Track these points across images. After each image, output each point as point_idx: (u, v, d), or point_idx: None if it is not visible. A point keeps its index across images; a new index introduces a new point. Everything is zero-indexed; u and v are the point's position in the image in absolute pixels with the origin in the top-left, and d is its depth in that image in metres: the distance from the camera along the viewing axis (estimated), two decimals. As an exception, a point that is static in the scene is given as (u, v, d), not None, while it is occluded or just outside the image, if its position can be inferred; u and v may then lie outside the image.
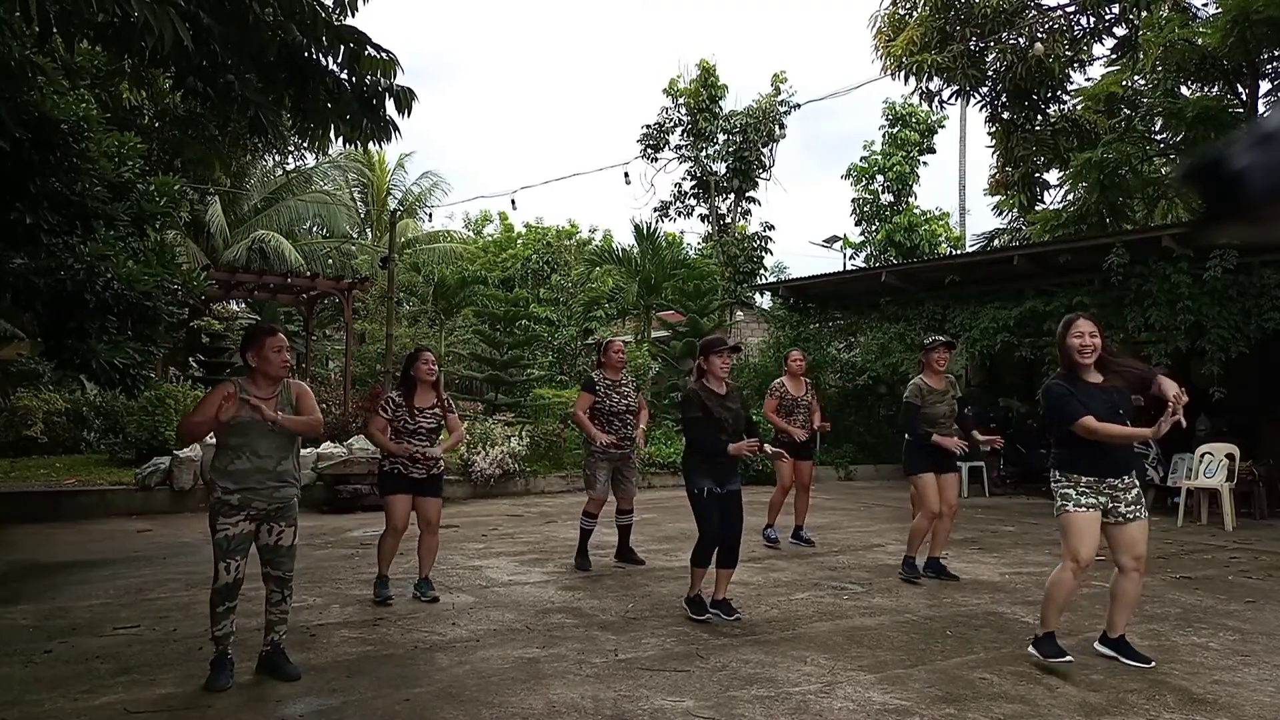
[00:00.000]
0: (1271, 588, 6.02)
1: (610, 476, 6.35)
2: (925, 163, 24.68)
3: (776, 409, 7.25)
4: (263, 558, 4.00)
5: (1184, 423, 3.97)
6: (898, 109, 24.17)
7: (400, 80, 4.81)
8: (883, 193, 24.37)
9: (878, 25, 16.09)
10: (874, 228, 24.22)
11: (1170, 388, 3.95)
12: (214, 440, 4.04)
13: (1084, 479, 4.04)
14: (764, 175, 19.89)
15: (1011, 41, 15.03)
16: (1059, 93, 15.71)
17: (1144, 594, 5.74)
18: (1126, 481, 4.07)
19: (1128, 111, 14.36)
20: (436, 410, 5.36)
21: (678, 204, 20.73)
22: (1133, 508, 4.05)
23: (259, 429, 3.86)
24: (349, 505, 9.38)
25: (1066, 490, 4.07)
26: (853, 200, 24.77)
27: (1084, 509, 4.01)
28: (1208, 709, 3.61)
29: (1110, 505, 4.03)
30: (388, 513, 5.31)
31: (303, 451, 9.99)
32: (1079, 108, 15.55)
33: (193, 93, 4.65)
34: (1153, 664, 4.13)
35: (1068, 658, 4.02)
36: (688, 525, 8.54)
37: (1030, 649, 4.15)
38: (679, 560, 6.66)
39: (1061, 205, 15.50)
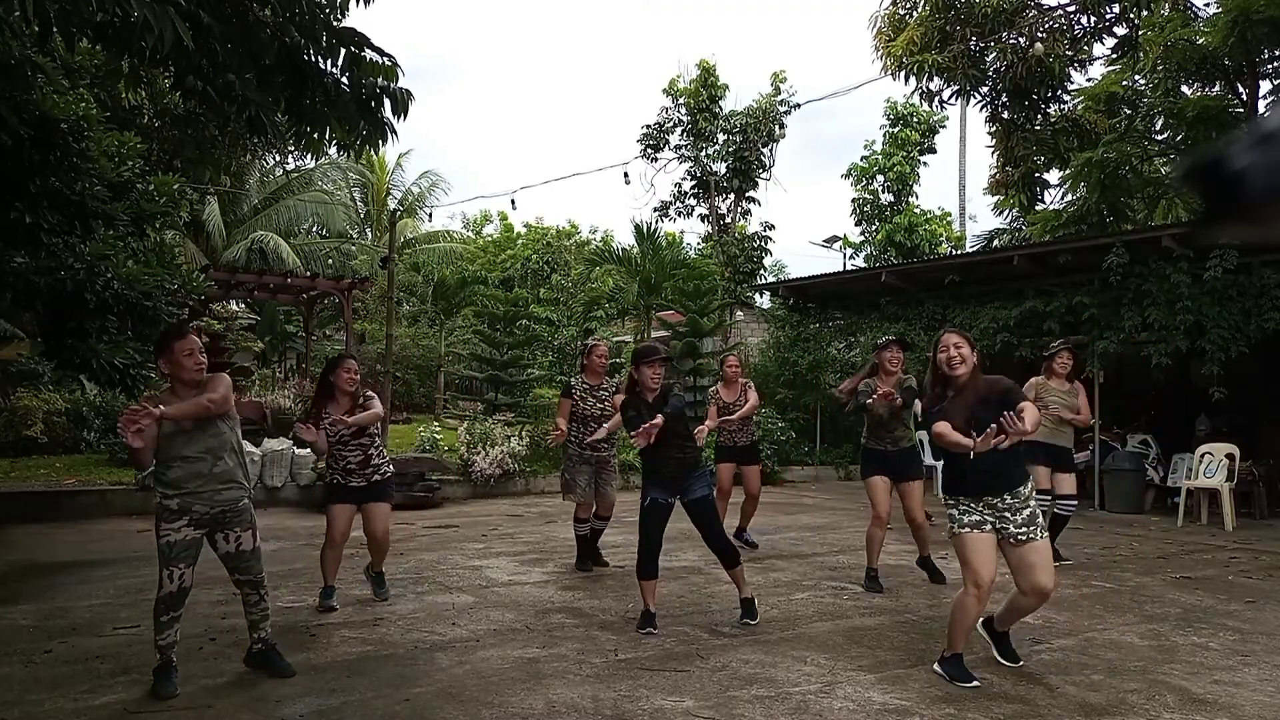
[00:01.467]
0: (1271, 588, 6.02)
1: (591, 480, 6.27)
2: (925, 163, 24.71)
3: (715, 415, 7.16)
4: (228, 566, 3.94)
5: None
6: (899, 109, 24.17)
7: (400, 82, 4.80)
8: (883, 193, 24.37)
9: (878, 26, 16.10)
10: (874, 228, 24.22)
11: (1028, 414, 3.70)
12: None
13: (964, 498, 3.90)
14: (764, 175, 19.88)
15: (1012, 41, 15.02)
16: (1059, 92, 15.71)
17: (1144, 594, 5.76)
18: (1009, 500, 3.84)
19: (1128, 111, 14.36)
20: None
21: (678, 204, 20.73)
22: (1025, 529, 3.82)
23: (182, 436, 3.75)
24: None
25: (951, 510, 3.97)
26: (853, 200, 24.78)
27: (968, 529, 3.86)
28: (1208, 709, 3.62)
29: (998, 525, 3.85)
30: (328, 522, 5.15)
31: (302, 452, 10.05)
32: (1079, 107, 15.55)
33: (191, 92, 4.64)
34: (1021, 664, 4.08)
35: (975, 682, 3.85)
36: (686, 525, 8.54)
37: (936, 668, 4.01)
38: (678, 560, 6.66)
39: (1061, 205, 15.51)
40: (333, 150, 5.24)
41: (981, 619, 4.16)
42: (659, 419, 4.63)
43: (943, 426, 3.86)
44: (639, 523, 4.81)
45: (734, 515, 7.43)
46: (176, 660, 3.82)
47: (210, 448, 3.81)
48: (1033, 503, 3.91)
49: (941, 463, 11.66)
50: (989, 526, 3.85)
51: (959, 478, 3.94)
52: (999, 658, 4.14)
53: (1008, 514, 3.85)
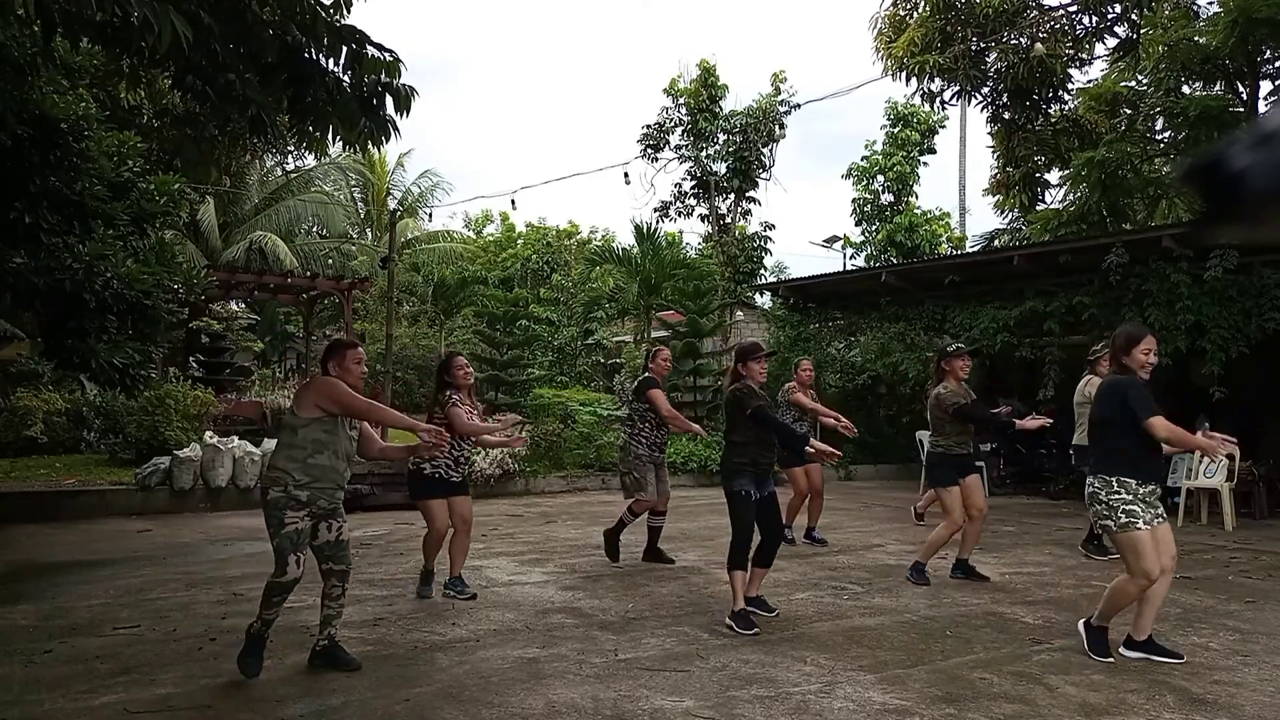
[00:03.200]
0: (1271, 588, 6.01)
1: (657, 477, 6.45)
2: (925, 163, 24.69)
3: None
4: (323, 554, 4.07)
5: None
6: (899, 109, 24.16)
7: (401, 80, 4.80)
8: (883, 193, 24.35)
9: (878, 27, 16.10)
10: (874, 228, 24.21)
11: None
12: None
13: (1136, 487, 4.12)
14: (764, 175, 19.86)
15: (1013, 42, 15.02)
16: (1060, 93, 15.72)
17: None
18: (1157, 488, 4.20)
19: (1128, 111, 14.36)
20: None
21: (678, 204, 20.71)
22: (1162, 510, 4.20)
23: (332, 436, 3.98)
24: (349, 505, 9.30)
25: (1129, 507, 4.10)
26: (853, 200, 24.77)
27: (1147, 528, 4.08)
28: (1208, 709, 3.61)
29: (1157, 513, 4.17)
30: (430, 516, 5.40)
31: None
32: (1080, 107, 15.55)
33: (190, 91, 4.64)
34: (1184, 658, 4.21)
35: (1110, 658, 4.17)
36: (691, 525, 8.57)
37: (1079, 626, 4.34)
38: (682, 560, 6.67)
39: (1062, 205, 15.51)
40: (334, 150, 5.25)
41: (1124, 644, 4.31)
42: (831, 450, 5.05)
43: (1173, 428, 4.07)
44: (736, 514, 4.82)
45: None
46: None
47: (348, 452, 4.09)
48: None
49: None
50: (1157, 521, 4.09)
51: (1136, 461, 4.10)
52: (1164, 660, 4.19)
53: (1157, 501, 4.13)
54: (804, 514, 7.67)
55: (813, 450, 5.10)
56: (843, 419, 7.09)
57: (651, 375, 6.51)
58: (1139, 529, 4.04)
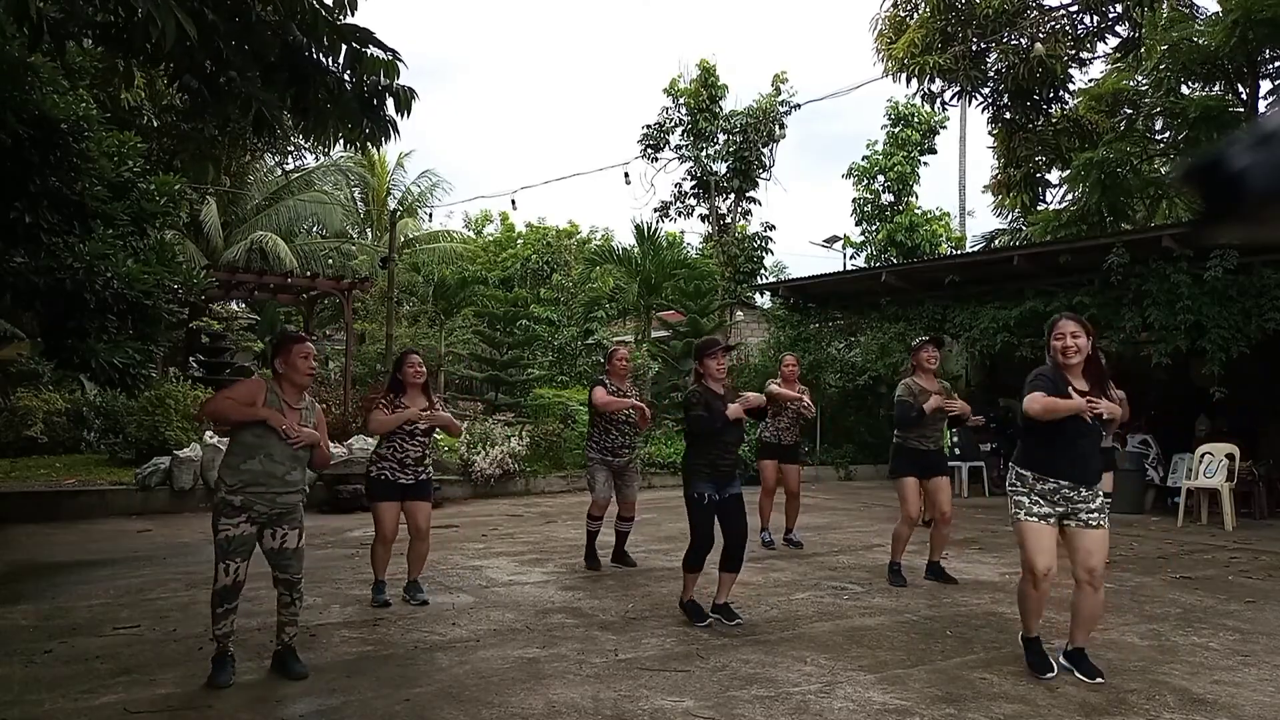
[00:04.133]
0: (1271, 588, 6.01)
1: (610, 480, 6.33)
2: (926, 163, 24.67)
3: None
4: (270, 562, 4.01)
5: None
6: (900, 108, 24.15)
7: (401, 80, 4.80)
8: (883, 192, 24.35)
9: (879, 27, 16.09)
10: (875, 228, 24.20)
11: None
12: (218, 437, 4.06)
13: (1037, 486, 3.96)
14: (764, 175, 19.88)
15: (1013, 42, 15.02)
16: (1061, 93, 15.71)
17: (1144, 594, 5.76)
18: (1084, 493, 3.92)
19: (1129, 111, 14.36)
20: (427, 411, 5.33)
21: (678, 204, 20.72)
22: (1097, 515, 3.93)
23: (271, 436, 3.89)
24: (349, 505, 9.37)
25: (1019, 496, 4.01)
26: (853, 200, 24.76)
27: (1035, 519, 3.94)
28: (1208, 709, 3.61)
29: (1068, 512, 3.95)
30: (377, 520, 5.24)
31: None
32: (1081, 108, 15.55)
33: (189, 90, 4.64)
34: (1102, 680, 4.01)
35: (1051, 673, 3.96)
36: (685, 525, 8.55)
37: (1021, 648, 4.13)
38: (678, 560, 6.64)
39: (1062, 205, 15.51)
40: (334, 150, 5.25)
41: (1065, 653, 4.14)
42: (753, 396, 4.97)
43: (1044, 398, 3.85)
44: (691, 516, 4.85)
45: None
46: (233, 651, 3.93)
47: (293, 456, 3.95)
48: (1101, 492, 3.98)
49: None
50: (1053, 520, 3.91)
51: (1034, 454, 3.96)
52: (1082, 678, 3.99)
53: (1083, 504, 3.91)
54: (784, 515, 7.59)
55: (739, 409, 4.84)
56: (804, 398, 7.13)
57: (600, 379, 6.43)
58: (1020, 519, 3.94)
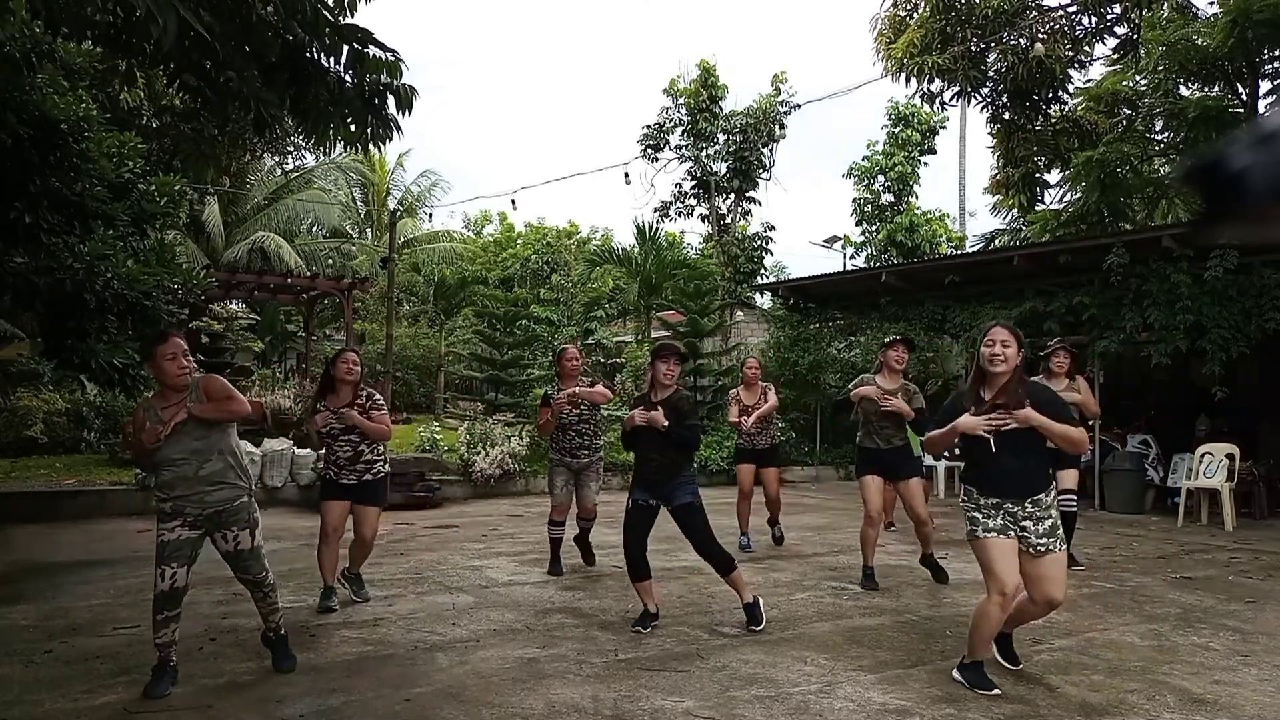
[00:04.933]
0: (1271, 588, 6.02)
1: (569, 482, 6.24)
2: (926, 163, 24.70)
3: (736, 414, 7.41)
4: (229, 565, 3.99)
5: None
6: (900, 109, 24.17)
7: (402, 79, 4.80)
8: (884, 192, 24.36)
9: (879, 28, 16.10)
10: (875, 228, 24.22)
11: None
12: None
13: (983, 501, 3.78)
14: (764, 175, 19.88)
15: (1012, 42, 15.03)
16: (1060, 93, 15.72)
17: (1144, 594, 5.76)
18: (1029, 509, 3.71)
19: (1128, 111, 14.36)
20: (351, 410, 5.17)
21: (678, 204, 20.72)
22: (1045, 540, 3.70)
23: (170, 440, 3.78)
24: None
25: (972, 513, 3.82)
26: (854, 200, 24.78)
27: (992, 534, 3.72)
28: (1208, 709, 3.61)
29: (1019, 533, 3.72)
30: (321, 517, 5.19)
31: (302, 451, 10.07)
32: (1080, 108, 15.55)
33: (189, 89, 4.64)
34: (1021, 666, 3.98)
35: (996, 690, 3.75)
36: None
37: (956, 674, 3.90)
38: (678, 560, 6.66)
39: (1061, 205, 15.51)
40: (335, 150, 5.25)
41: None
42: (642, 413, 4.71)
43: (932, 434, 3.84)
44: (624, 524, 4.82)
45: (742, 515, 7.45)
46: (175, 660, 3.84)
47: (195, 450, 3.82)
48: (1054, 512, 3.76)
49: (942, 464, 11.55)
50: (1011, 533, 3.70)
51: (981, 477, 3.80)
52: (1000, 659, 4.08)
53: (1029, 523, 3.69)
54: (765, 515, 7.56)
55: (637, 422, 4.72)
56: (759, 410, 7.21)
57: (547, 391, 6.33)
58: (978, 536, 3.73)
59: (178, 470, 3.79)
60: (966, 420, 3.75)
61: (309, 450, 9.94)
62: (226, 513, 3.88)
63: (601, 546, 6.73)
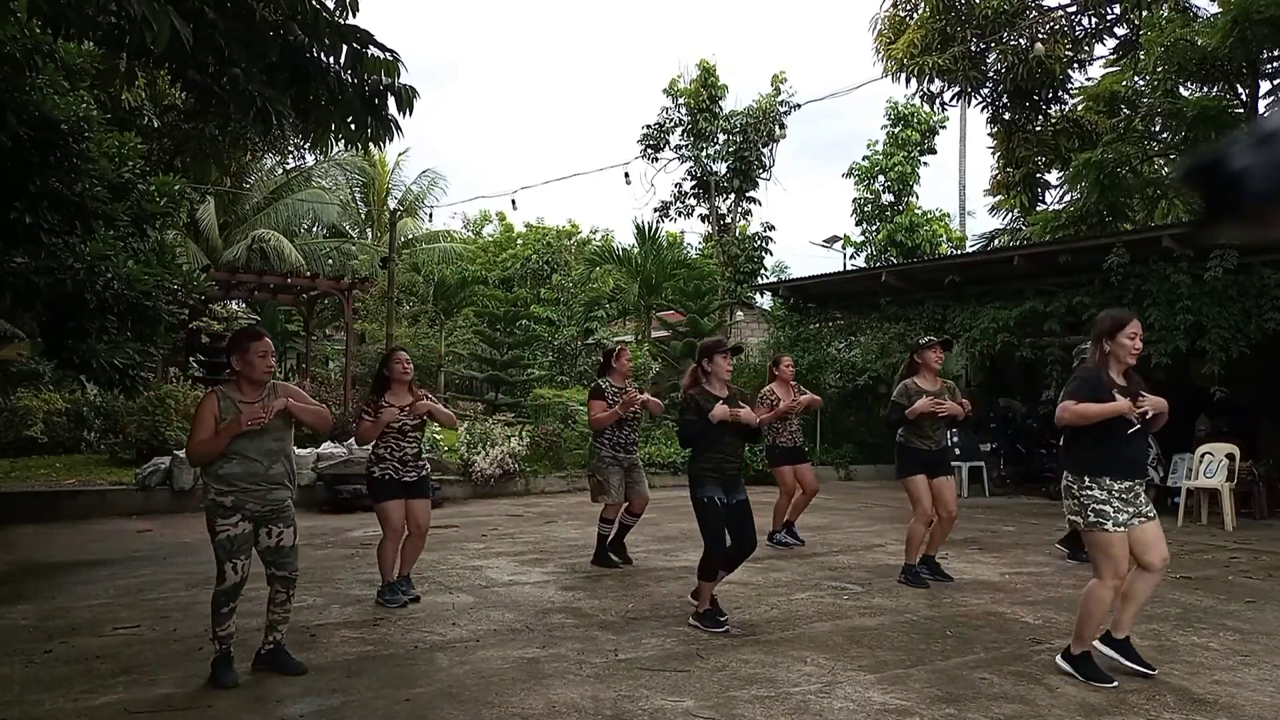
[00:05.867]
0: (1271, 588, 6.01)
1: (623, 481, 6.34)
2: (926, 163, 24.71)
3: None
4: (265, 560, 4.01)
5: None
6: (900, 109, 24.17)
7: (401, 79, 4.80)
8: (884, 192, 24.37)
9: (878, 28, 16.10)
10: (875, 228, 24.23)
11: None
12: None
13: (1113, 487, 3.90)
14: (764, 175, 19.89)
15: (1012, 42, 15.03)
16: (1060, 93, 15.72)
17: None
18: (1140, 485, 3.99)
19: (1128, 112, 14.36)
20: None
21: (678, 204, 20.74)
22: (1149, 506, 3.98)
23: (247, 433, 3.86)
24: (349, 505, 9.38)
25: (1101, 506, 3.88)
26: (854, 200, 24.79)
27: (1121, 529, 3.88)
28: (1208, 709, 3.61)
29: (1135, 511, 3.92)
30: (384, 520, 5.25)
31: (302, 452, 10.08)
32: (1080, 108, 15.55)
33: (193, 86, 4.64)
34: (1155, 672, 4.00)
35: (1114, 683, 3.86)
36: (688, 525, 8.53)
37: (1062, 663, 4.01)
38: (679, 560, 6.66)
39: (1061, 206, 15.51)
40: (335, 149, 5.25)
41: (1099, 639, 4.09)
42: (742, 410, 4.76)
43: (1075, 405, 3.90)
44: (705, 523, 4.73)
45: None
46: (233, 652, 3.93)
47: (269, 450, 3.95)
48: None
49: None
50: (1136, 522, 3.90)
51: (1109, 458, 3.91)
52: (1134, 666, 3.99)
53: (1140, 498, 3.94)
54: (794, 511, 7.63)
55: (726, 412, 4.70)
56: (800, 398, 7.30)
57: (598, 384, 6.43)
58: (1106, 529, 3.84)
59: (249, 466, 3.89)
60: (1120, 405, 3.86)
61: (309, 450, 9.94)
62: (277, 511, 3.99)
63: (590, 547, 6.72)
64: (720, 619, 4.73)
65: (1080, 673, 3.92)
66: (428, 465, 5.48)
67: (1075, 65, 15.50)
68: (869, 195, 24.49)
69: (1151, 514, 3.95)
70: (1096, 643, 4.07)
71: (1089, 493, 3.90)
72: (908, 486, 5.96)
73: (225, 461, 3.87)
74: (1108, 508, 3.86)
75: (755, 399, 7.32)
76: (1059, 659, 4.06)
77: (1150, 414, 3.91)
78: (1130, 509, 3.89)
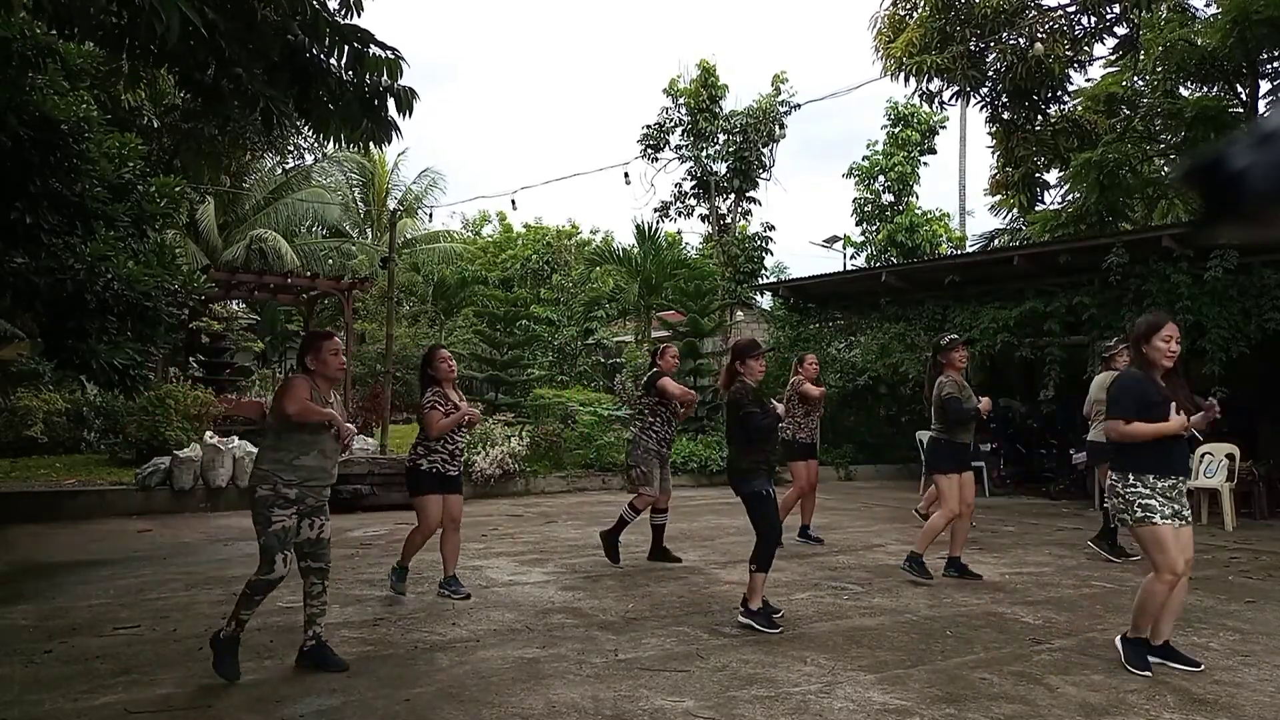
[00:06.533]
0: (1271, 588, 6.02)
1: (662, 475, 6.47)
2: (926, 163, 24.71)
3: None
4: (303, 552, 4.06)
5: None
6: (900, 109, 24.17)
7: (402, 79, 4.80)
8: (884, 192, 24.36)
9: (878, 27, 16.10)
10: (875, 228, 24.22)
11: None
12: (271, 432, 4.01)
13: (1159, 484, 3.99)
14: (764, 175, 19.86)
15: (1012, 42, 15.03)
16: (1059, 93, 15.73)
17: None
18: (1186, 482, 4.10)
19: (1128, 111, 14.37)
20: (461, 404, 5.55)
21: (678, 204, 20.71)
22: (1188, 510, 4.07)
23: (324, 432, 3.99)
24: (349, 505, 9.37)
25: (1147, 500, 3.97)
26: (854, 200, 24.79)
27: (1170, 521, 3.96)
28: (1208, 709, 3.61)
29: (1181, 511, 4.02)
30: (423, 512, 5.37)
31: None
32: (1079, 108, 15.56)
33: (195, 87, 4.64)
34: (1200, 667, 4.07)
35: (1148, 672, 3.98)
36: (692, 525, 8.57)
37: (1117, 642, 4.18)
38: (689, 559, 6.66)
39: (1061, 205, 15.52)
40: (334, 149, 5.25)
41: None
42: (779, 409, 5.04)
43: (1144, 427, 3.98)
44: (765, 516, 4.81)
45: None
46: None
47: (334, 449, 4.09)
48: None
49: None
50: (1181, 520, 3.96)
51: (1162, 456, 3.98)
52: (1185, 667, 4.07)
53: (1182, 496, 3.99)
54: (795, 513, 7.65)
55: (781, 409, 5.16)
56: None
57: (660, 369, 6.57)
58: (1156, 523, 3.93)
59: (324, 461, 4.02)
60: (1175, 424, 3.96)
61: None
62: (320, 506, 4.10)
63: (601, 548, 6.72)
64: (775, 616, 4.79)
65: (1127, 654, 4.08)
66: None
67: (1075, 65, 15.50)
68: (869, 195, 24.48)
69: (1189, 517, 4.02)
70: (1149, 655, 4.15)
71: (1134, 489, 3.98)
72: (942, 482, 6.02)
73: (304, 452, 3.94)
74: (1154, 502, 3.95)
75: (786, 396, 7.42)
76: (1117, 640, 4.20)
77: (1200, 430, 4.03)
78: (1173, 506, 3.97)
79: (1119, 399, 4.08)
